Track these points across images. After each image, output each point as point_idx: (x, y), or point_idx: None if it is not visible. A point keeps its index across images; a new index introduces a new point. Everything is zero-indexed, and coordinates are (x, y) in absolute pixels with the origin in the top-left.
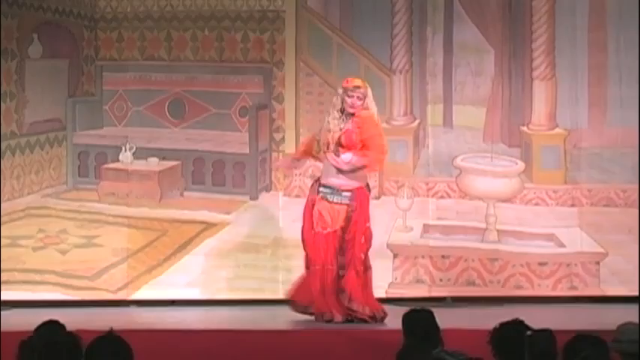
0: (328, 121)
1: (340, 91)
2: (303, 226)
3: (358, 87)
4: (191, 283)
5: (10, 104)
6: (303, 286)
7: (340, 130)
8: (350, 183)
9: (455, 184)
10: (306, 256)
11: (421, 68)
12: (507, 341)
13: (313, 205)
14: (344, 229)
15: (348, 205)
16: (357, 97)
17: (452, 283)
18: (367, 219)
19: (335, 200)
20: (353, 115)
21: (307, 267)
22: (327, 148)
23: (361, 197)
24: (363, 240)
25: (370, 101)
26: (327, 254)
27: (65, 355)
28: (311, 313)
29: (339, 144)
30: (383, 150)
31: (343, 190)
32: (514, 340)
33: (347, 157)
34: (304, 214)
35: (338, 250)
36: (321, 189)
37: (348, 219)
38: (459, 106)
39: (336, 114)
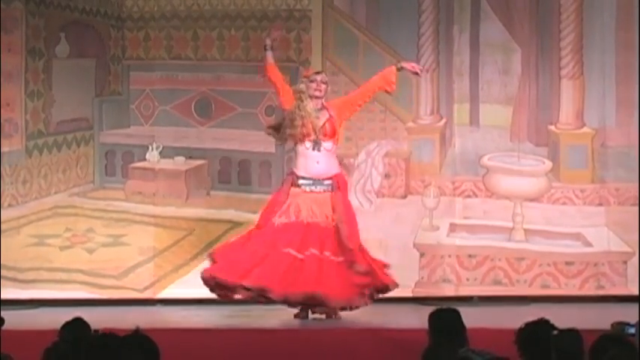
0: (306, 110)
1: (303, 81)
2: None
3: (319, 72)
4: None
5: (38, 103)
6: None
7: (318, 118)
8: (330, 170)
9: (481, 183)
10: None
11: (448, 67)
12: (533, 341)
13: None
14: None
15: (331, 192)
16: (321, 81)
17: (478, 283)
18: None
19: (317, 190)
20: (321, 101)
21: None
22: (308, 135)
23: (342, 181)
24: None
25: None
26: (322, 244)
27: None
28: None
29: (323, 132)
30: None
31: (325, 179)
32: (540, 340)
33: (328, 145)
34: (276, 198)
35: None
36: (301, 182)
37: (335, 205)
38: (485, 104)
39: (311, 103)
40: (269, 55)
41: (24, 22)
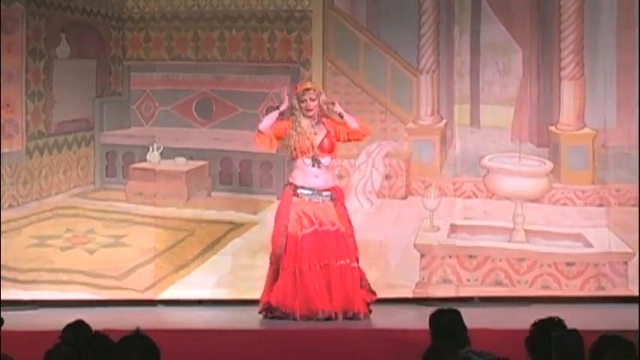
0: (301, 126)
1: (294, 97)
2: (278, 229)
3: (308, 89)
4: (218, 283)
5: (38, 104)
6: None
7: (315, 134)
8: (328, 183)
9: (482, 184)
10: (285, 258)
11: (448, 68)
12: (544, 340)
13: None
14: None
15: (332, 202)
16: (310, 99)
17: (479, 283)
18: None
19: (316, 200)
20: (314, 117)
21: (284, 269)
22: (306, 152)
23: (340, 193)
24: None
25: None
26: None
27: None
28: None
29: (320, 148)
30: None
31: (323, 190)
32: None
33: (326, 161)
34: (280, 216)
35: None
36: (300, 191)
37: (339, 215)
38: (486, 105)
39: (306, 120)
40: (274, 114)
41: (24, 23)
